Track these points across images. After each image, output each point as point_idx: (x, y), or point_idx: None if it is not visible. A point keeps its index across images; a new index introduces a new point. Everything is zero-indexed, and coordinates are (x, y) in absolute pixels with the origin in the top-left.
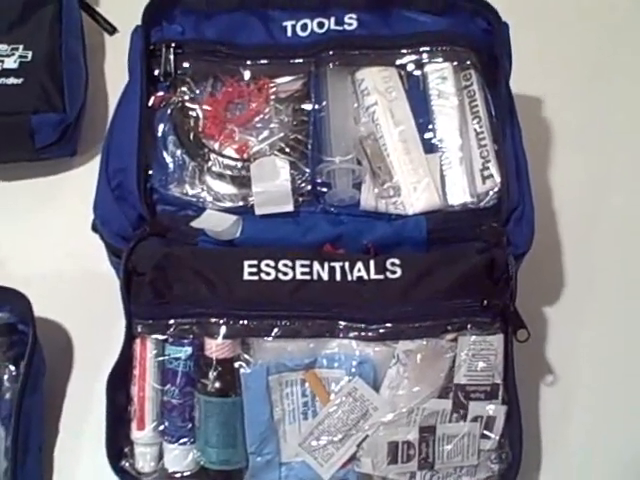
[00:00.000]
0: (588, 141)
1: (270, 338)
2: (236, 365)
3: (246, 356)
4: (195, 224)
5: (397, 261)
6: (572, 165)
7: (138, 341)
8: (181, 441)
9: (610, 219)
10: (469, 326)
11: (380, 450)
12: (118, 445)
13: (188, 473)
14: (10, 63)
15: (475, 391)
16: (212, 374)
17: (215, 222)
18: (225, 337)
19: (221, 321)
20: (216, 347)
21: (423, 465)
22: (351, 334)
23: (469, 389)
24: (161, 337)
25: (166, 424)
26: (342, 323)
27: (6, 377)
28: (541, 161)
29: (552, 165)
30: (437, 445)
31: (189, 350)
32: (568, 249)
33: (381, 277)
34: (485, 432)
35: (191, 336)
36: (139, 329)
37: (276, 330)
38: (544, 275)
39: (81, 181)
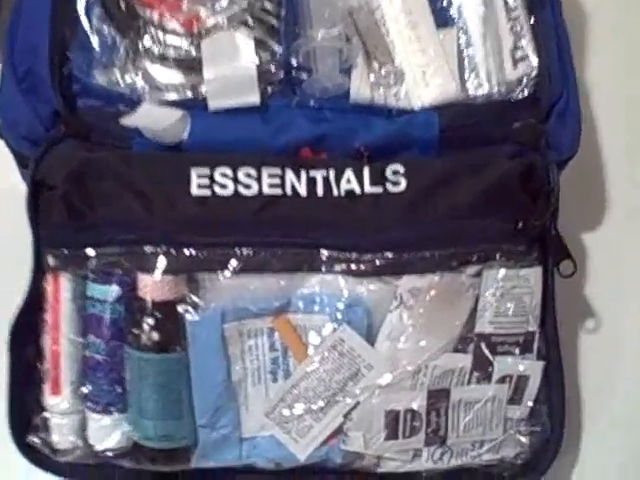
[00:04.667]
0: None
1: (227, 273)
2: (180, 310)
3: (194, 298)
4: (128, 121)
5: (401, 168)
6: (614, 55)
7: (50, 278)
8: (109, 410)
9: None
10: (498, 255)
11: (375, 422)
12: (25, 414)
13: (118, 451)
14: None
15: (503, 343)
16: (147, 322)
17: (155, 119)
18: (165, 272)
19: (160, 250)
20: (153, 285)
21: (432, 439)
22: (337, 267)
23: (495, 340)
24: (80, 272)
25: (89, 387)
26: (325, 252)
27: None
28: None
29: (591, 56)
30: (451, 414)
31: (117, 290)
32: (613, 160)
33: (379, 190)
34: (515, 397)
35: (120, 271)
36: (51, 262)
37: (235, 262)
38: (585, 193)
39: None
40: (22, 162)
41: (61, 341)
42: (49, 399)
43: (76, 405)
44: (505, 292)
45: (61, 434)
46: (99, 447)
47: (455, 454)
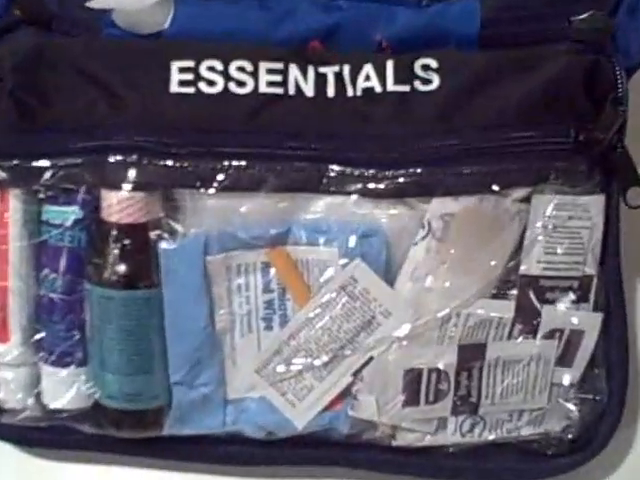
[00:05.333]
0: None
1: (212, 191)
2: (152, 236)
3: (170, 221)
4: (97, 4)
5: (433, 63)
6: None
7: None
8: (65, 361)
9: None
10: (551, 176)
11: (391, 383)
12: None
13: (75, 412)
14: None
15: (553, 288)
16: (112, 251)
17: (130, 1)
18: (135, 187)
19: (129, 160)
20: (120, 205)
21: (461, 407)
22: (350, 187)
23: (544, 284)
24: (32, 189)
25: (43, 334)
26: (335, 168)
27: None
28: None
29: None
30: (486, 376)
31: (77, 211)
32: None
33: (405, 89)
34: (565, 356)
35: (81, 187)
36: None
37: (222, 177)
38: None
39: None
40: None
41: (10, 276)
42: None
43: (27, 355)
44: (559, 224)
45: (8, 390)
46: (54, 406)
47: (488, 426)
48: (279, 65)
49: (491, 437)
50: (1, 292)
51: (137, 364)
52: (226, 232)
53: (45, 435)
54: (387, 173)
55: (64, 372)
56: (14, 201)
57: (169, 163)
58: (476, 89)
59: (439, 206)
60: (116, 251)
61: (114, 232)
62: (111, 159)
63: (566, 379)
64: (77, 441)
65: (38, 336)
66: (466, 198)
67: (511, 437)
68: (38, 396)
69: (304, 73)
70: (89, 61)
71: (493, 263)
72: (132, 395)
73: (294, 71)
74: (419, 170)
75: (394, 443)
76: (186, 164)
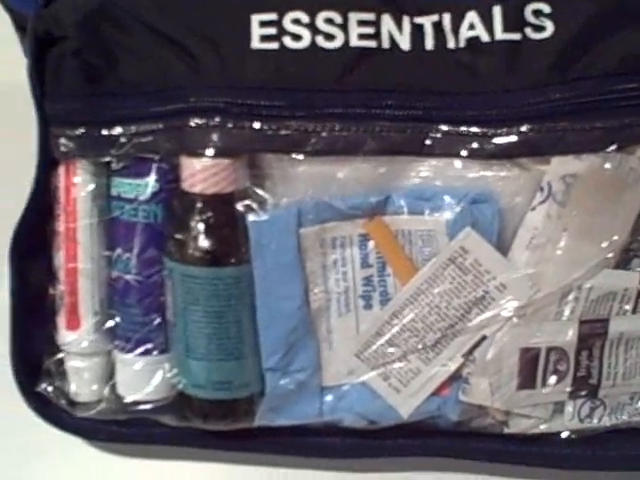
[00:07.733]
0: None
1: (304, 157)
2: (239, 207)
3: (259, 191)
4: None
5: (546, 7)
6: None
7: (62, 169)
8: (144, 348)
9: None
10: None
11: (506, 364)
12: (34, 356)
13: (157, 404)
14: None
15: None
16: (196, 225)
17: None
18: (219, 153)
19: (212, 123)
20: (202, 173)
21: (580, 390)
22: (457, 148)
23: None
24: (102, 160)
25: (117, 319)
26: (440, 128)
27: None
28: None
29: None
30: (607, 355)
31: (153, 183)
32: None
33: (516, 37)
34: None
35: (156, 156)
36: (62, 145)
37: (314, 141)
38: None
39: None
40: (22, 24)
41: (79, 257)
42: (65, 335)
43: (101, 343)
44: None
45: (81, 381)
46: (131, 398)
47: (608, 410)
48: (370, 16)
49: (612, 422)
50: (70, 275)
51: (226, 349)
52: (321, 201)
53: (123, 429)
54: (498, 131)
55: (142, 361)
56: (82, 174)
57: (256, 126)
58: (595, 35)
59: (560, 166)
60: (200, 225)
61: (198, 204)
62: (192, 123)
63: None
64: (159, 435)
65: (112, 322)
66: (589, 157)
67: (633, 422)
68: (113, 387)
69: (399, 24)
70: (160, 17)
71: (618, 229)
72: (221, 383)
73: (387, 22)
74: (534, 127)
75: (506, 430)
76: (275, 127)
